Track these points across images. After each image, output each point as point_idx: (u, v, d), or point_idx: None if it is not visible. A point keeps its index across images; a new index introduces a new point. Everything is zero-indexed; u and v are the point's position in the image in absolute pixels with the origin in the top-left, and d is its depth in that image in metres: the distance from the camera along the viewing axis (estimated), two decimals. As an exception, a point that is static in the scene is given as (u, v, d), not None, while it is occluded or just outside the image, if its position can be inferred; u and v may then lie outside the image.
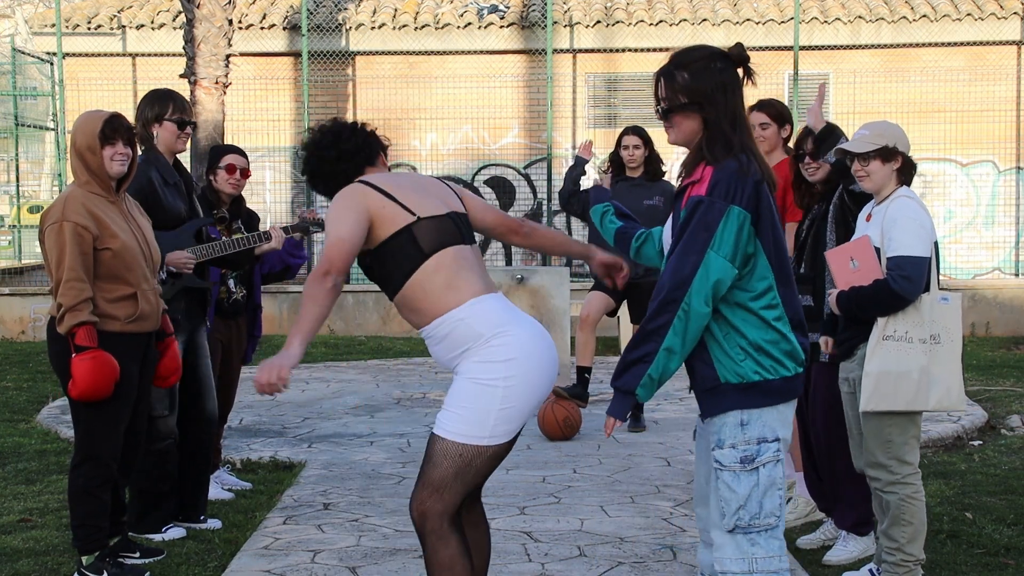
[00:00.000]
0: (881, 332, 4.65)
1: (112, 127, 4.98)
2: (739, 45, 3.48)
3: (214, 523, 6.01)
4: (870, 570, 5.02)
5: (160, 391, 5.60)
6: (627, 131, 8.60)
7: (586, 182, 9.53)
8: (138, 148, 5.19)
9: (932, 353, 4.63)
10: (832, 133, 5.40)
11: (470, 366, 3.74)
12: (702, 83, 3.42)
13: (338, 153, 3.95)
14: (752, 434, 3.39)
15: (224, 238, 5.99)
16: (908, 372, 4.62)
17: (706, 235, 3.31)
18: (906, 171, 4.78)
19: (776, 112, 6.63)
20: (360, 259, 3.84)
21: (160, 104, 5.79)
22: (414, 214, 3.77)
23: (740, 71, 3.47)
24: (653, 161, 8.48)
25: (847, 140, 5.10)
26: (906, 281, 4.57)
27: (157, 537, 5.67)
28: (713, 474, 3.47)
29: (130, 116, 5.37)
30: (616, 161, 8.61)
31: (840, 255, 4.78)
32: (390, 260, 3.78)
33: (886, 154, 4.74)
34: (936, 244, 4.78)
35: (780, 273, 3.43)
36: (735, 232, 3.31)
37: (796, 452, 5.81)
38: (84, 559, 5.11)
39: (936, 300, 4.65)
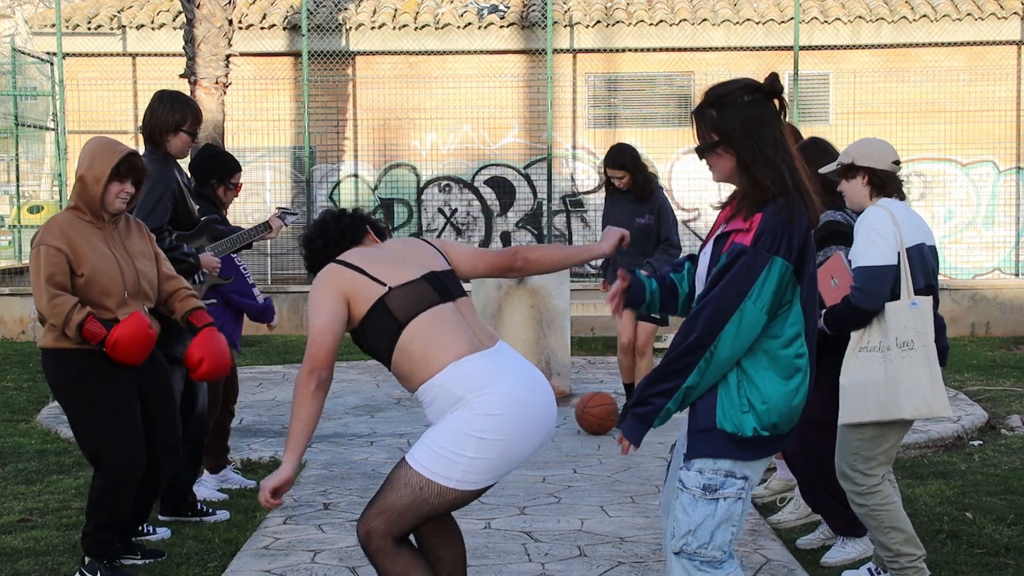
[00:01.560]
0: (856, 344, 4.65)
1: (128, 167, 5.02)
2: (772, 76, 3.41)
3: (222, 515, 6.08)
4: (869, 569, 5.03)
5: (179, 388, 5.67)
6: (610, 164, 8.51)
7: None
8: (143, 180, 5.18)
9: (904, 359, 4.57)
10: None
11: (457, 411, 3.70)
12: (731, 120, 3.34)
13: (324, 241, 4.05)
14: (722, 466, 3.37)
15: (232, 234, 6.18)
16: (878, 382, 4.59)
17: (746, 285, 3.25)
18: (880, 183, 4.74)
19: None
20: (354, 339, 3.89)
21: (180, 113, 5.84)
22: (384, 284, 3.77)
23: (776, 102, 3.38)
24: (640, 183, 8.44)
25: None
26: (859, 292, 4.56)
27: (154, 538, 5.67)
28: (674, 492, 3.46)
29: (130, 116, 5.39)
30: (608, 183, 8.67)
31: (823, 273, 4.75)
32: (371, 336, 3.80)
33: (845, 171, 4.77)
34: (931, 248, 4.76)
35: (809, 322, 3.37)
36: (775, 284, 3.26)
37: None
38: (85, 559, 5.12)
39: (907, 306, 4.60)
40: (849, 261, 4.72)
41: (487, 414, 3.66)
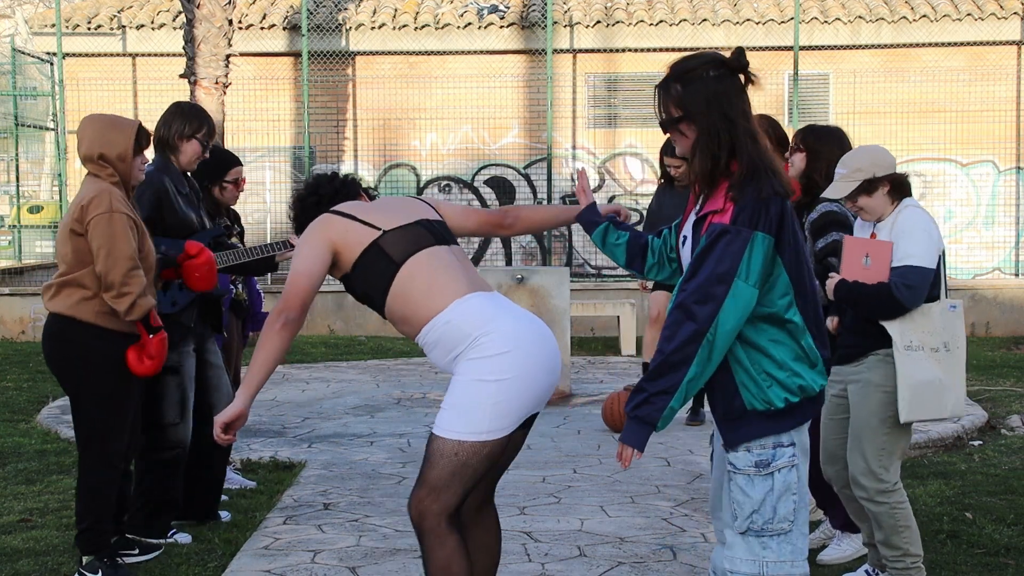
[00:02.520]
0: (901, 342, 4.64)
1: (146, 138, 5.08)
2: (738, 50, 3.38)
3: (224, 515, 6.09)
4: (866, 571, 5.03)
5: (173, 398, 5.63)
6: (666, 152, 8.43)
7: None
8: (140, 151, 5.19)
9: (945, 361, 4.65)
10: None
11: (463, 365, 3.73)
12: (696, 95, 3.31)
13: (317, 198, 4.05)
14: (768, 440, 3.34)
15: (241, 246, 6.03)
16: (932, 381, 4.64)
17: (732, 264, 3.22)
18: (898, 188, 4.74)
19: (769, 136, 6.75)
20: (346, 287, 3.90)
21: (196, 122, 5.82)
22: (379, 228, 3.79)
23: (741, 77, 3.36)
24: None
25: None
26: (908, 290, 4.58)
27: (175, 540, 5.64)
28: (726, 476, 3.43)
29: (131, 116, 5.39)
30: (666, 175, 8.55)
31: (857, 247, 4.73)
32: (365, 279, 3.80)
33: (868, 187, 4.70)
34: (943, 252, 4.80)
35: (799, 287, 3.34)
36: (762, 258, 3.24)
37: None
38: (84, 559, 5.11)
39: (946, 308, 4.68)
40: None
41: (496, 354, 3.67)
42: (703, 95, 3.30)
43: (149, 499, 5.69)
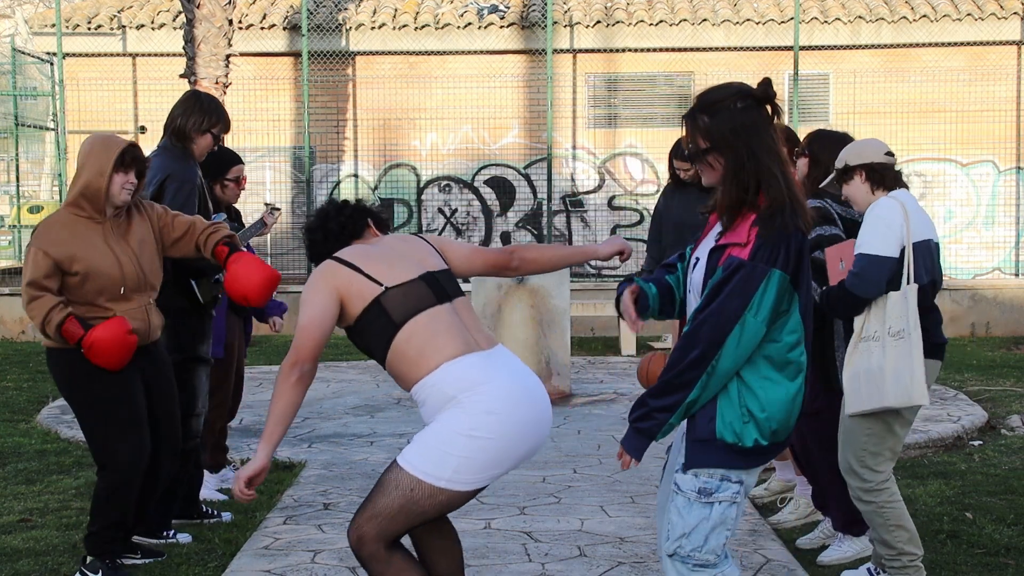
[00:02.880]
0: (858, 334, 4.66)
1: (131, 156, 5.03)
2: (765, 81, 3.38)
3: (226, 515, 6.09)
4: (868, 569, 5.02)
5: (204, 388, 5.72)
6: (676, 153, 7.99)
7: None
8: (145, 172, 5.19)
9: (895, 348, 4.59)
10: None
11: (447, 411, 3.69)
12: (722, 126, 3.32)
13: (324, 234, 4.03)
14: (718, 471, 3.36)
15: (243, 227, 6.26)
16: (870, 370, 4.61)
17: (745, 299, 3.24)
18: (877, 178, 4.75)
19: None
20: (349, 337, 3.88)
21: (214, 117, 5.88)
22: (381, 284, 3.75)
23: (768, 108, 3.36)
24: None
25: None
26: (856, 278, 4.58)
27: (175, 541, 5.64)
28: (669, 494, 3.46)
29: (130, 116, 5.39)
30: (674, 177, 8.52)
31: (835, 253, 4.80)
32: (367, 335, 3.78)
33: (842, 176, 4.78)
34: (936, 245, 4.78)
35: (807, 330, 3.37)
36: (775, 296, 3.26)
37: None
38: (87, 558, 5.12)
39: (902, 296, 4.61)
40: None
41: (479, 412, 3.65)
42: (730, 126, 3.32)
43: (167, 491, 5.68)
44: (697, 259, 3.47)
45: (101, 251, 5.00)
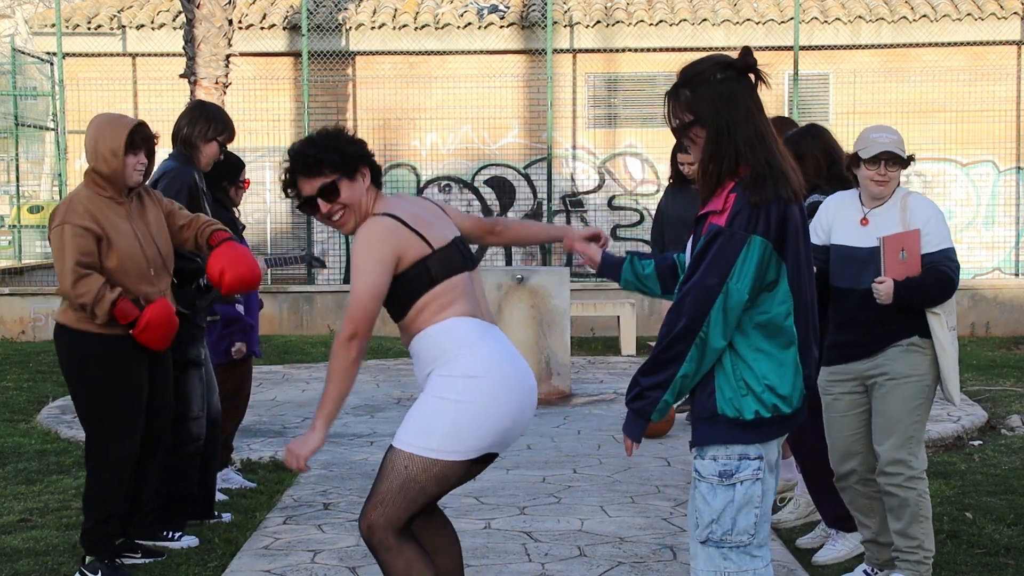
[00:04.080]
0: (948, 324, 4.77)
1: (141, 136, 5.03)
2: (745, 50, 3.35)
3: (226, 516, 6.10)
4: (864, 571, 5.03)
5: (198, 392, 5.67)
6: (680, 149, 8.08)
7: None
8: (155, 149, 5.20)
9: (955, 343, 4.85)
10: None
11: (431, 380, 3.73)
12: (702, 97, 3.29)
13: (341, 156, 3.83)
14: (735, 450, 3.32)
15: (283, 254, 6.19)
16: (957, 360, 4.86)
17: (726, 267, 3.20)
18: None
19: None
20: None
21: (219, 126, 5.93)
22: (431, 247, 3.75)
23: (751, 77, 3.33)
24: None
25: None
26: (959, 271, 4.77)
27: (174, 546, 5.63)
28: (692, 483, 3.43)
29: (130, 115, 5.39)
30: (677, 174, 8.30)
31: (894, 243, 4.76)
32: (402, 289, 3.74)
33: (905, 163, 4.86)
34: None
35: (798, 296, 3.32)
36: (756, 263, 3.21)
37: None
38: (87, 558, 5.12)
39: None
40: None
41: (465, 375, 3.67)
42: (710, 98, 3.28)
43: (171, 494, 5.69)
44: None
45: (127, 232, 5.00)
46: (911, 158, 4.85)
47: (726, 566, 3.33)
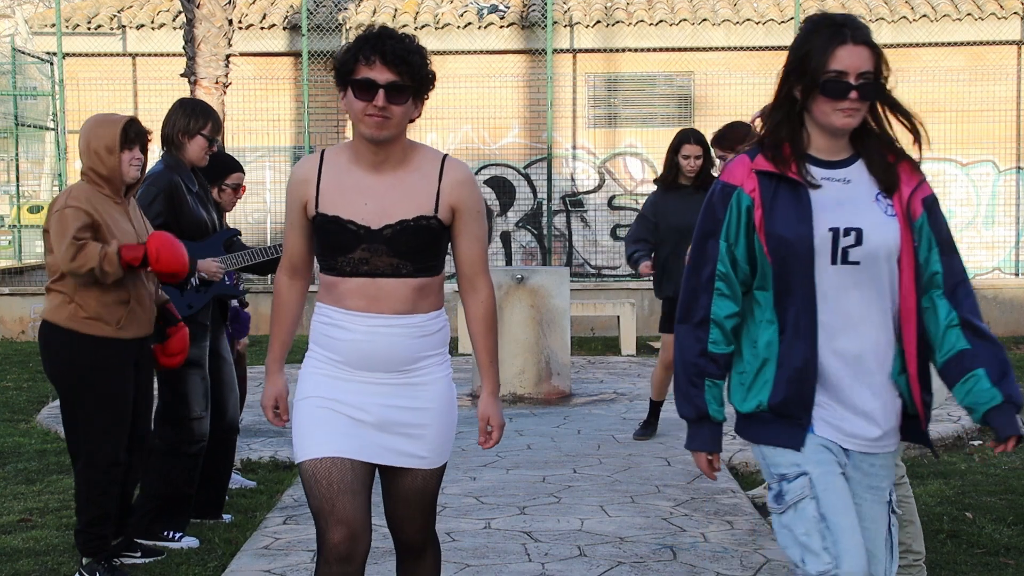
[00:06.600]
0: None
1: (134, 131, 5.03)
2: None
3: (226, 517, 6.11)
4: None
5: (199, 392, 5.65)
6: (687, 138, 7.75)
7: None
8: (150, 151, 5.21)
9: None
10: None
11: (444, 378, 3.51)
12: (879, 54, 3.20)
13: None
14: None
15: (251, 247, 6.06)
16: None
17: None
18: None
19: (730, 141, 6.67)
20: (425, 229, 3.41)
21: (201, 119, 5.83)
22: None
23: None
24: (707, 170, 7.69)
25: None
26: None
27: (173, 546, 5.63)
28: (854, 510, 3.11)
29: (130, 114, 5.38)
30: (673, 167, 7.82)
31: None
32: (447, 240, 3.49)
33: None
34: None
35: None
36: None
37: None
38: (84, 560, 5.12)
39: None
40: None
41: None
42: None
43: (171, 494, 5.68)
44: (855, 229, 3.05)
45: (126, 229, 5.01)
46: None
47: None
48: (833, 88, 3.01)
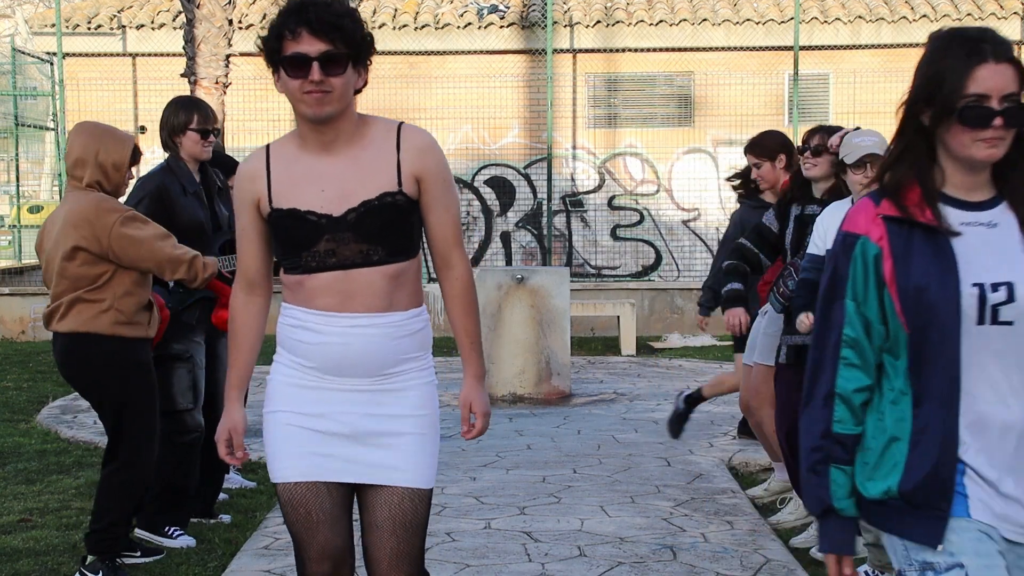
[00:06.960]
0: None
1: (139, 154, 5.16)
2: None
3: (225, 517, 6.10)
4: (865, 571, 5.03)
5: (183, 385, 5.66)
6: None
7: None
8: (151, 151, 5.28)
9: None
10: None
11: (425, 385, 3.19)
12: None
13: None
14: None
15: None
16: None
17: None
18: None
19: (763, 149, 6.56)
20: (391, 206, 3.10)
21: (185, 113, 5.82)
22: None
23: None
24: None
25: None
26: None
27: (173, 545, 5.62)
28: None
29: (130, 116, 5.42)
30: (747, 181, 6.87)
31: None
32: (418, 217, 3.17)
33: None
34: None
35: None
36: None
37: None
38: (88, 558, 5.12)
39: None
40: None
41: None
42: None
43: (168, 486, 5.68)
44: (1006, 284, 2.58)
45: None
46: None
47: None
48: (973, 115, 2.53)
